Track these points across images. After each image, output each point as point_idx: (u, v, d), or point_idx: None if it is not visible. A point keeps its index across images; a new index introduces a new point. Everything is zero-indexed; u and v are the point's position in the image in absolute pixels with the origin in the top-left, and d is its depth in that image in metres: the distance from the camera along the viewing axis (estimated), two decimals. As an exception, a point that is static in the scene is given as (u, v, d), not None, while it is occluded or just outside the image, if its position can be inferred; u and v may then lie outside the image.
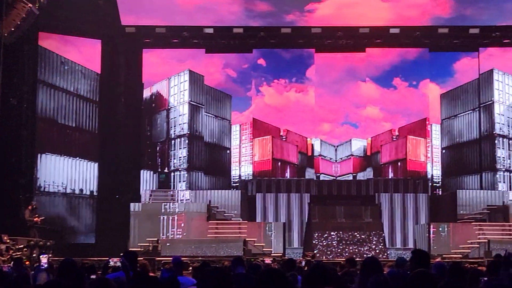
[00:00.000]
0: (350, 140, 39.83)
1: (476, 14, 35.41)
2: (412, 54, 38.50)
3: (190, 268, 14.82)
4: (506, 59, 37.73)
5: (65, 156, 33.20)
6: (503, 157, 36.14)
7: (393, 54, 38.77)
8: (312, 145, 39.78)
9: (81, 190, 33.96)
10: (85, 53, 35.43)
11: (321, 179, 38.42)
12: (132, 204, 32.15)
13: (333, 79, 39.73)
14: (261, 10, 36.00)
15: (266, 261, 21.01)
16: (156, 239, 29.68)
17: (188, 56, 38.12)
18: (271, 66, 39.25)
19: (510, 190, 35.03)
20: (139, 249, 29.18)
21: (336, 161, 39.50)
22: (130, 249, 29.28)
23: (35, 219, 27.47)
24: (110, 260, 8.57)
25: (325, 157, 39.62)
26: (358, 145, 39.94)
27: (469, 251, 29.24)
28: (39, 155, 31.89)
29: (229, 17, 35.90)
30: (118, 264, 9.66)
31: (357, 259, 26.30)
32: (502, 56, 37.80)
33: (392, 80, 38.97)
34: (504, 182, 35.88)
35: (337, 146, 39.82)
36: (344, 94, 39.73)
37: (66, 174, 33.25)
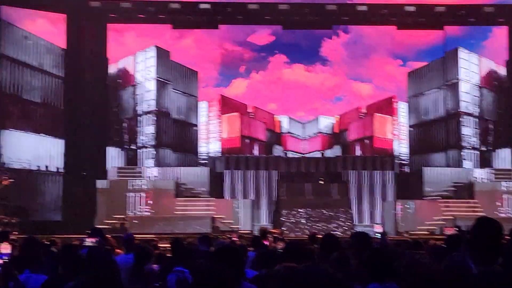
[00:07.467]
0: (318, 117, 39.92)
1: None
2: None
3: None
4: (471, 38, 38.05)
5: (30, 133, 32.71)
6: (469, 135, 36.45)
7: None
8: (280, 122, 39.78)
9: (47, 166, 33.54)
10: (49, 28, 34.82)
11: (289, 156, 38.46)
12: (98, 181, 31.87)
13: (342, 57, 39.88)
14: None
15: (233, 238, 20.95)
16: (123, 216, 29.51)
17: (179, 32, 37.96)
18: (279, 43, 39.23)
19: (475, 167, 35.38)
20: (106, 226, 28.96)
21: (304, 138, 39.57)
22: (97, 226, 29.09)
23: (3, 182, 27.58)
24: (87, 239, 8.40)
25: (293, 134, 39.68)
26: (325, 123, 40.04)
27: (435, 227, 29.53)
28: (3, 131, 31.36)
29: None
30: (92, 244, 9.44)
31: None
32: (467, 35, 38.08)
33: (406, 59, 39.19)
34: (469, 159, 36.23)
35: (305, 124, 39.88)
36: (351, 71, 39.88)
37: (32, 150, 32.76)
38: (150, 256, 8.95)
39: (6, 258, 7.34)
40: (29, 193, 32.28)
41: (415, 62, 39.06)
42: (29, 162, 32.68)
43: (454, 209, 30.84)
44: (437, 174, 34.07)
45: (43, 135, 33.43)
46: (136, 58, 37.15)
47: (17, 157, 32.14)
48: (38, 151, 33.15)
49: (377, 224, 25.48)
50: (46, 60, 33.78)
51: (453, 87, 36.63)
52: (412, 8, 35.43)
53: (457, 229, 11.26)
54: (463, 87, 36.39)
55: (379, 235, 12.28)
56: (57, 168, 34.06)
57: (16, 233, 25.10)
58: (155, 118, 36.55)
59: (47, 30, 34.46)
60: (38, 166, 33.23)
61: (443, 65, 37.17)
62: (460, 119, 36.25)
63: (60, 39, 34.58)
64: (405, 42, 38.84)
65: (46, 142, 33.59)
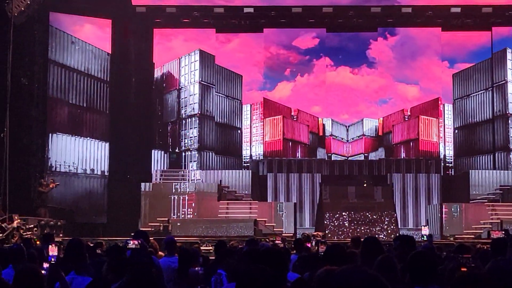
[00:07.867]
0: (362, 119, 39.63)
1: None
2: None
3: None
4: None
5: (76, 136, 33.18)
6: (517, 137, 35.83)
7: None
8: (323, 125, 39.59)
9: (92, 170, 33.97)
10: (95, 33, 35.27)
11: (332, 159, 38.28)
12: (143, 184, 32.13)
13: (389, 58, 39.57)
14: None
15: (277, 241, 20.91)
16: (166, 219, 29.67)
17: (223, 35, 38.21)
18: (323, 46, 39.00)
19: (524, 170, 34.75)
20: (149, 229, 29.17)
21: (347, 141, 39.33)
22: (141, 229, 29.32)
23: (51, 185, 28.14)
24: (131, 242, 8.46)
25: (336, 137, 39.46)
26: (369, 125, 39.73)
27: (481, 231, 29.02)
28: (50, 135, 31.88)
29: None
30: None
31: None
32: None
33: (454, 61, 38.67)
34: (517, 162, 35.61)
35: (349, 126, 39.62)
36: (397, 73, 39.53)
37: (77, 154, 33.24)
38: (194, 258, 8.98)
39: (53, 260, 7.44)
40: (75, 195, 32.75)
41: (463, 63, 38.49)
42: (75, 165, 33.15)
43: (501, 213, 30.30)
44: (484, 177, 33.55)
45: (89, 138, 33.87)
46: (181, 62, 37.47)
47: (63, 160, 32.64)
48: (84, 154, 33.60)
49: (424, 226, 25.12)
50: (93, 64, 34.25)
51: (501, 89, 36.07)
52: (458, 9, 34.96)
53: (504, 232, 11.06)
54: (511, 89, 35.80)
55: (426, 237, 12.09)
56: (102, 171, 34.47)
57: (61, 235, 25.52)
58: (199, 121, 36.81)
59: (93, 35, 34.91)
60: (84, 169, 33.69)
61: (490, 66, 36.64)
62: (508, 121, 35.67)
63: (106, 44, 35.00)
64: (453, 43, 38.28)
65: (92, 146, 34.03)
